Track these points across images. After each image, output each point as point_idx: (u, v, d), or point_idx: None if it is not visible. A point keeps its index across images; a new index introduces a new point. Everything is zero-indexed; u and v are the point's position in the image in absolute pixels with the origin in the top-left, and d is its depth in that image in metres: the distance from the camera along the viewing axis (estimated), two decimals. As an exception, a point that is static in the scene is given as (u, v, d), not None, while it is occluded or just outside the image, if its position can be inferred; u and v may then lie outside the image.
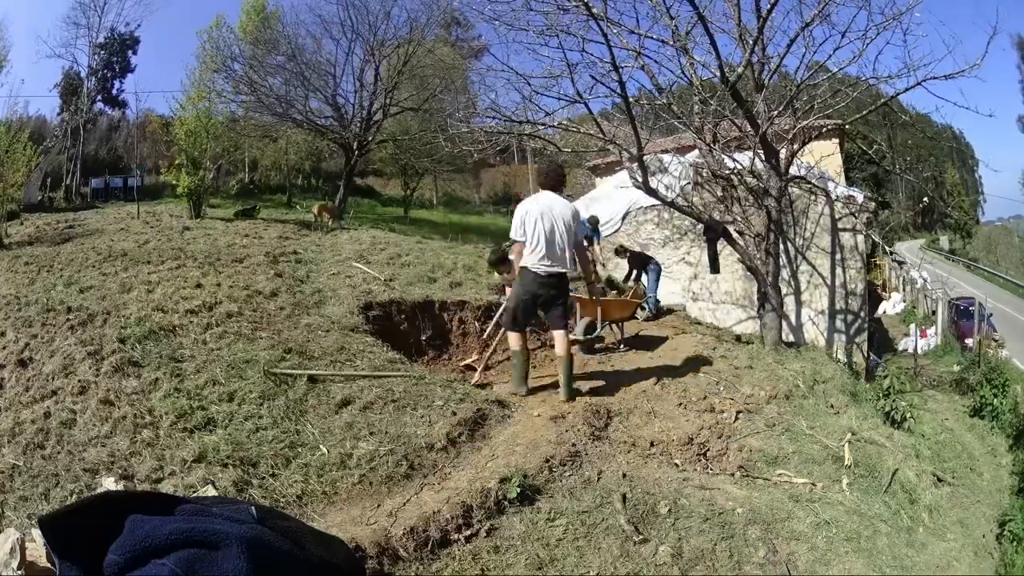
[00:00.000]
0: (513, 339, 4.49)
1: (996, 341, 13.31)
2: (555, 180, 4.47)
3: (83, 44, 24.36)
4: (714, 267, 8.97)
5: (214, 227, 10.93)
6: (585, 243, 6.26)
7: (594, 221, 9.24)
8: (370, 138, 17.61)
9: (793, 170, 7.44)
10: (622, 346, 6.07)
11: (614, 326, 6.16)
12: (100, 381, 3.88)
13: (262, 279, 6.45)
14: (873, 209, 10.07)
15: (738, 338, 6.87)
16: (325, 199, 17.64)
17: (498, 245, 6.43)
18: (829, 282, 9.52)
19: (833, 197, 9.43)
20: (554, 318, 4.46)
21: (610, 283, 9.10)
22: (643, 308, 7.77)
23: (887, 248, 24.00)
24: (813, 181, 9.12)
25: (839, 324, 9.48)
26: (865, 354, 9.43)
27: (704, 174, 8.20)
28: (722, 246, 8.05)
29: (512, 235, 4.34)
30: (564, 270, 4.36)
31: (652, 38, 6.21)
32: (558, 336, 4.42)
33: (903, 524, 3.47)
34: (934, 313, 17.01)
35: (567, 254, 4.33)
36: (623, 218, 10.83)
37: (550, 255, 4.26)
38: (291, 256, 7.96)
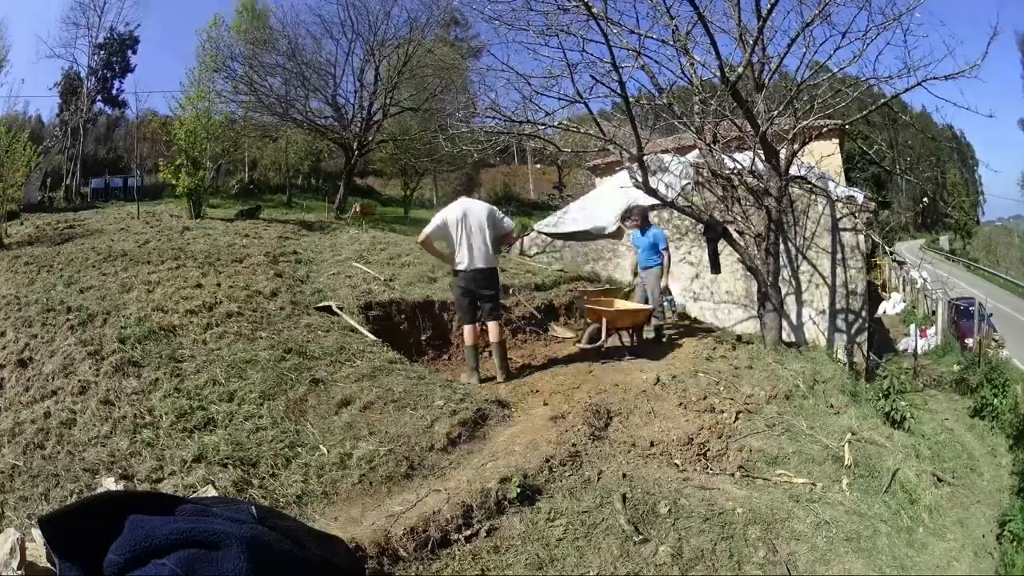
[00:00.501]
0: (466, 334, 5.09)
1: (996, 341, 13.31)
2: (469, 186, 5.07)
3: (83, 44, 24.32)
4: (715, 267, 8.97)
5: (214, 227, 10.92)
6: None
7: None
8: (370, 138, 17.61)
9: (793, 170, 7.44)
10: (627, 356, 5.61)
11: (622, 334, 5.81)
12: (100, 381, 3.88)
13: (262, 279, 6.45)
14: (873, 209, 10.08)
15: (739, 338, 6.87)
16: (325, 199, 17.62)
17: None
18: (829, 282, 9.53)
19: (833, 197, 9.44)
20: (488, 311, 5.03)
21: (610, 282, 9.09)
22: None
23: (887, 248, 24.00)
24: (813, 181, 9.12)
25: (839, 324, 9.49)
26: (865, 354, 9.43)
27: (704, 174, 8.21)
28: (722, 246, 8.05)
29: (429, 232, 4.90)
30: (490, 267, 4.97)
31: (652, 38, 6.22)
32: (491, 326, 5.03)
33: (903, 524, 3.47)
34: (934, 313, 17.01)
35: (489, 252, 4.93)
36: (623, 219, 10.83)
37: (474, 256, 4.86)
38: (291, 256, 7.96)
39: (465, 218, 4.87)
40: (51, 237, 9.89)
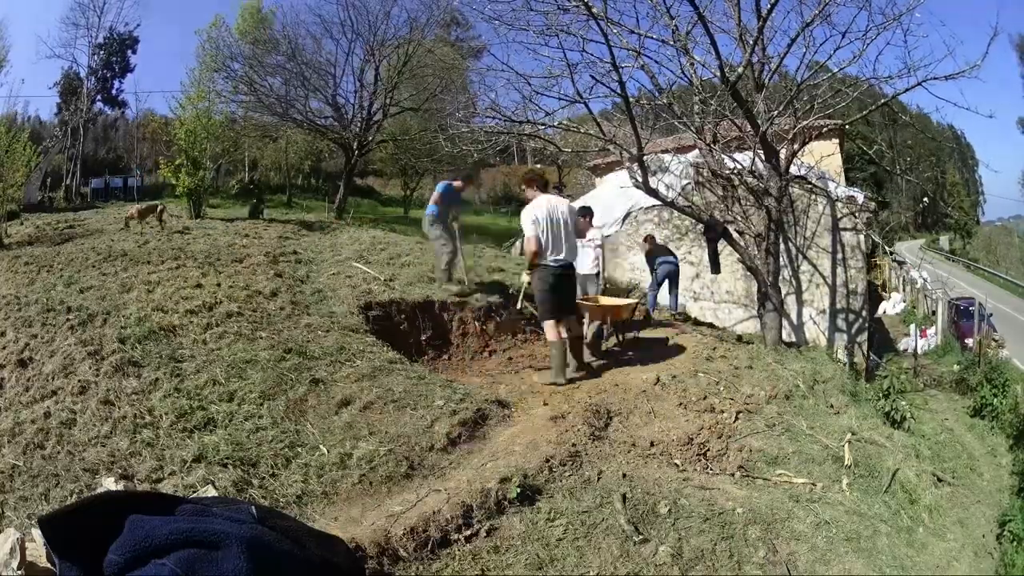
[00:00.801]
0: (550, 329, 4.80)
1: (996, 341, 13.31)
2: (544, 182, 5.03)
3: (83, 44, 24.37)
4: (715, 267, 8.98)
5: (214, 227, 10.92)
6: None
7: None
8: (370, 138, 17.61)
9: (793, 170, 7.45)
10: (616, 348, 6.00)
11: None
12: (100, 381, 3.88)
13: (262, 279, 6.44)
14: (873, 209, 10.09)
15: (739, 338, 6.87)
16: (325, 199, 17.61)
17: None
18: (830, 282, 9.54)
19: (833, 197, 9.44)
20: (570, 308, 4.96)
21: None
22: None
23: (887, 248, 24.00)
24: (813, 181, 9.13)
25: (840, 323, 9.50)
26: (865, 354, 9.44)
27: (704, 174, 8.21)
28: (722, 246, 8.06)
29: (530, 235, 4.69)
30: (573, 261, 4.91)
31: (652, 38, 6.23)
32: (574, 321, 4.94)
33: (903, 524, 3.47)
34: (934, 313, 17.01)
35: (575, 246, 4.88)
36: (624, 219, 10.85)
37: (564, 250, 4.76)
38: (291, 256, 7.95)
39: (555, 211, 4.73)
40: (51, 237, 9.89)
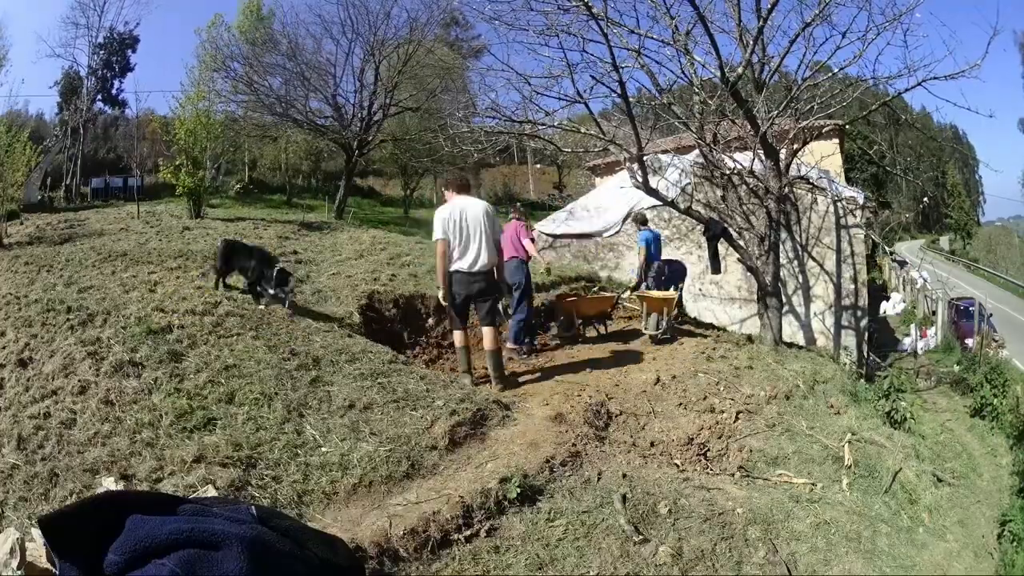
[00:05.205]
0: (457, 336, 4.85)
1: (996, 341, 13.30)
2: (465, 186, 4.88)
3: (83, 44, 24.38)
4: (715, 267, 8.97)
5: (214, 227, 10.91)
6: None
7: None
8: (370, 138, 17.60)
9: (795, 170, 7.45)
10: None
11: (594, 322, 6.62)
12: (100, 381, 3.88)
13: (262, 279, 6.43)
14: (873, 209, 10.11)
15: (748, 338, 6.87)
16: (325, 199, 17.57)
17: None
18: (831, 281, 9.54)
19: (836, 197, 9.46)
20: (483, 314, 4.77)
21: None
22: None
23: (887, 248, 24.00)
24: (813, 181, 9.14)
25: (840, 323, 9.50)
26: (866, 354, 9.45)
27: (704, 174, 8.21)
28: (724, 246, 8.06)
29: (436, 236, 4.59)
30: (489, 268, 4.71)
31: (652, 38, 6.22)
32: (486, 331, 4.76)
33: (903, 524, 3.47)
34: (934, 313, 17.00)
35: (489, 252, 4.66)
36: (624, 219, 10.85)
37: (474, 255, 4.60)
38: (291, 256, 7.95)
39: (463, 216, 4.59)
40: (51, 237, 9.87)
